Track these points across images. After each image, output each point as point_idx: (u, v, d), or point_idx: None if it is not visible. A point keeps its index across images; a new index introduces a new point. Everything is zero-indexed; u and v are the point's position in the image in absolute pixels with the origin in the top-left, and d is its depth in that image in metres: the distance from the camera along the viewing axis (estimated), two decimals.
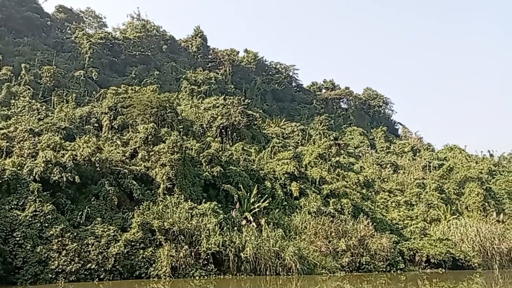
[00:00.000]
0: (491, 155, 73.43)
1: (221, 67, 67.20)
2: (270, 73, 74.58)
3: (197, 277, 23.67)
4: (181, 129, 38.74)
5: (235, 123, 43.37)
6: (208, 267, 24.55)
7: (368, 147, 63.17)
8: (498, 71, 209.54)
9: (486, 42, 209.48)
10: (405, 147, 64.15)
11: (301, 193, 35.55)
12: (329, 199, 36.06)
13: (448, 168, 52.60)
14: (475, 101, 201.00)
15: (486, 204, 46.56)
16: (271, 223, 29.44)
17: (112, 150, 30.93)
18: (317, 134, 58.44)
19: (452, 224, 39.10)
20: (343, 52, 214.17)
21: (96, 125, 38.04)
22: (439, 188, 48.01)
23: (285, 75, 75.27)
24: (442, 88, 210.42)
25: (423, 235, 36.72)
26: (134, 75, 56.84)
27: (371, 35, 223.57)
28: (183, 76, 58.76)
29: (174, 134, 32.43)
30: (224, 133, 43.27)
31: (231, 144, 42.72)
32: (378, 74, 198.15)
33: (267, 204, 31.88)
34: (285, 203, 34.23)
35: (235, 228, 27.42)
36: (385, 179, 52.07)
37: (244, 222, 28.75)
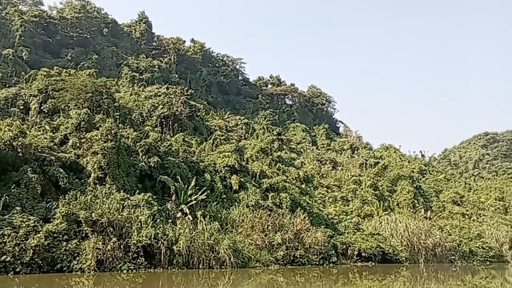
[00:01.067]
0: (423, 156, 78.03)
1: (165, 55, 65.23)
2: (217, 65, 73.67)
3: (125, 271, 22.55)
4: (118, 117, 36.98)
5: (177, 113, 42.22)
6: (138, 260, 23.48)
7: (310, 143, 64.40)
8: (439, 76, 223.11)
9: (429, 45, 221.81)
10: (345, 145, 66.17)
11: (240, 186, 35.30)
12: (268, 193, 36.15)
13: (383, 166, 54.90)
14: (414, 103, 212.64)
15: (416, 201, 49.18)
16: (208, 216, 28.89)
17: (38, 135, 28.73)
18: (261, 129, 58.66)
19: (384, 220, 40.73)
20: (291, 49, 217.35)
21: (23, 108, 35.28)
22: (374, 185, 49.96)
23: (231, 68, 74.76)
24: (385, 89, 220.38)
25: (356, 229, 37.89)
26: (70, 58, 53.53)
27: (319, 34, 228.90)
28: (125, 62, 56.33)
29: (109, 121, 30.78)
30: (164, 123, 41.99)
31: (171, 134, 41.55)
32: (323, 73, 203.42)
33: (205, 197, 31.28)
34: (224, 196, 33.82)
35: (170, 220, 26.53)
36: (324, 175, 53.35)
37: (179, 214, 27.92)
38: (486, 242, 43.25)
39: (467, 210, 51.23)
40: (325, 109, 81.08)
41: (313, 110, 79.30)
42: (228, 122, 55.17)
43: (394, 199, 50.14)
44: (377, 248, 34.84)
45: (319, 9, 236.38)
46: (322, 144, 66.67)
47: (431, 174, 64.34)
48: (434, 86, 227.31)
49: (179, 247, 24.34)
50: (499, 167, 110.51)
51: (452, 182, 64.29)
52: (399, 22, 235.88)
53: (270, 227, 30.79)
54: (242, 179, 35.94)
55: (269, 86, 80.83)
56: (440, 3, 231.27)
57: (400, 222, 39.40)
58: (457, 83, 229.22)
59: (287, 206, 35.19)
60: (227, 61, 75.23)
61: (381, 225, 39.95)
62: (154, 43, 67.67)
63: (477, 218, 50.10)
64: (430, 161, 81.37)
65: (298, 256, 30.29)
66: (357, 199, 46.35)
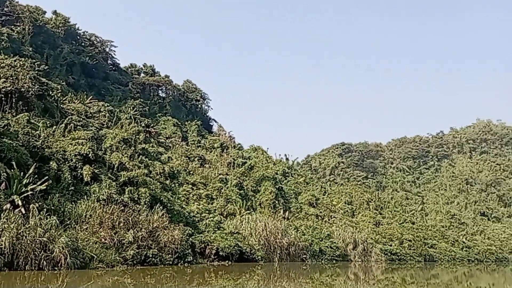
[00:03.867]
0: (287, 159, 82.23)
1: (19, 24, 56.05)
2: (83, 44, 66.38)
3: None
4: None
5: (23, 89, 36.22)
6: None
7: (180, 138, 62.36)
8: (310, 89, 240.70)
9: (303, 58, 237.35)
10: (215, 143, 65.76)
11: (94, 178, 31.63)
12: (125, 187, 33.17)
13: (249, 167, 55.80)
14: (286, 112, 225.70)
15: (277, 202, 50.94)
16: (46, 210, 24.81)
17: None
18: (127, 118, 54.50)
19: (245, 219, 40.98)
20: (170, 41, 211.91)
21: None
22: (239, 185, 50.26)
23: (100, 50, 68.21)
24: (264, 96, 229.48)
25: (217, 228, 37.24)
26: None
27: (202, 28, 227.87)
28: None
29: None
30: (5, 99, 35.62)
31: (14, 113, 35.44)
32: (202, 70, 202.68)
33: (46, 188, 26.98)
34: (72, 188, 29.81)
35: None
36: (191, 172, 51.92)
37: (8, 206, 23.35)
38: (334, 242, 46.79)
39: (320, 212, 55.00)
40: (199, 105, 79.73)
41: (187, 105, 77.26)
42: (90, 107, 49.82)
43: (257, 199, 51.21)
44: (235, 247, 34.62)
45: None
46: (193, 140, 65.20)
47: (292, 177, 67.84)
48: (306, 98, 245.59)
49: (1, 245, 20.17)
50: (351, 174, 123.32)
51: (310, 185, 68.82)
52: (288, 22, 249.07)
53: (122, 224, 27.97)
54: (96, 170, 32.27)
55: (142, 75, 76.19)
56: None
57: (259, 222, 40.04)
58: (323, 97, 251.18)
59: (146, 202, 32.71)
60: (95, 42, 68.26)
61: (242, 224, 40.10)
62: (5, 8, 57.49)
63: (329, 220, 54.15)
64: (293, 165, 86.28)
65: (151, 256, 28.05)
66: (222, 197, 45.99)
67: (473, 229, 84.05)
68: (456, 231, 78.20)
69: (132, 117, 54.98)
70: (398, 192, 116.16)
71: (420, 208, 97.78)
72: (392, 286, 28.97)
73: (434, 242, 64.83)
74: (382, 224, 61.17)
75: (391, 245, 54.86)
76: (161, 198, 35.49)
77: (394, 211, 75.32)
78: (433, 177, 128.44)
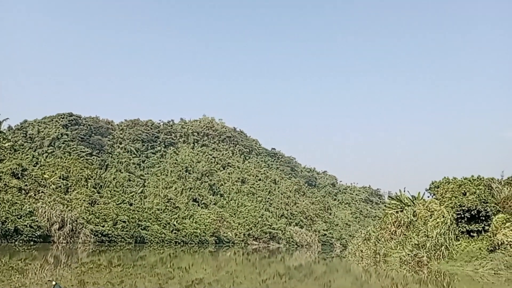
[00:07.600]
0: None
1: None
2: None
3: None
4: None
5: None
6: None
7: None
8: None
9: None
10: None
11: None
12: None
13: None
14: None
15: None
16: None
17: None
18: None
19: None
20: None
21: None
22: None
23: None
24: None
25: None
26: None
27: None
28: None
29: None
30: None
31: None
32: None
33: None
34: None
35: None
36: None
37: None
38: (37, 221, 39.99)
39: (26, 185, 46.47)
40: None
41: None
42: None
43: None
44: None
45: None
46: None
47: None
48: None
49: None
50: (74, 148, 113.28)
51: (19, 153, 57.95)
52: None
53: None
54: None
55: None
56: None
57: None
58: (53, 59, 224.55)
59: None
60: None
61: None
62: None
63: (35, 195, 46.31)
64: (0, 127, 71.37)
65: None
66: None
67: (185, 213, 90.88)
68: (169, 214, 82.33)
69: None
70: (122, 173, 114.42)
71: (141, 191, 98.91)
72: (96, 269, 26.07)
73: (148, 224, 65.81)
74: (98, 204, 57.33)
75: (103, 226, 51.82)
76: None
77: (114, 191, 72.78)
78: (158, 162, 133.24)
